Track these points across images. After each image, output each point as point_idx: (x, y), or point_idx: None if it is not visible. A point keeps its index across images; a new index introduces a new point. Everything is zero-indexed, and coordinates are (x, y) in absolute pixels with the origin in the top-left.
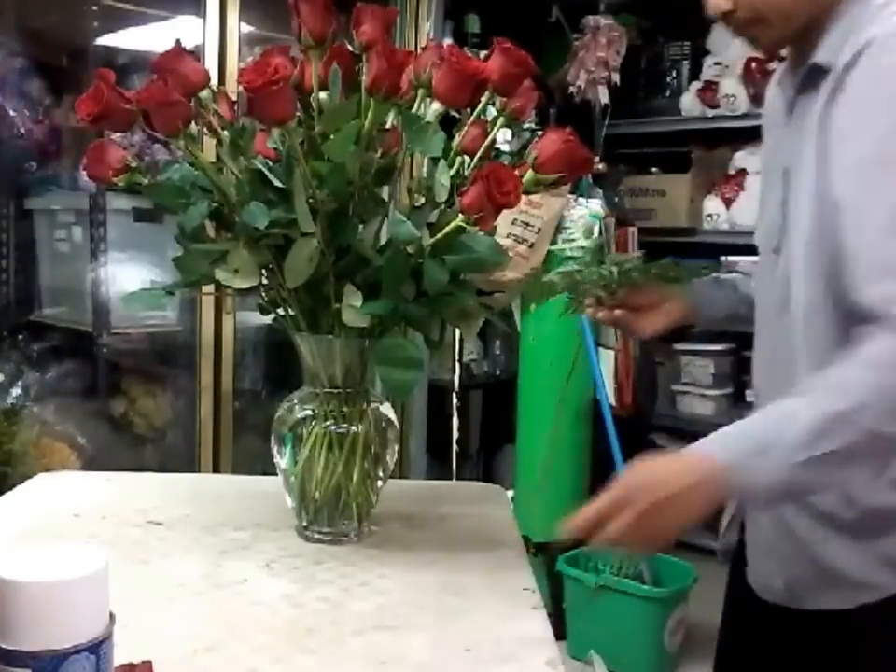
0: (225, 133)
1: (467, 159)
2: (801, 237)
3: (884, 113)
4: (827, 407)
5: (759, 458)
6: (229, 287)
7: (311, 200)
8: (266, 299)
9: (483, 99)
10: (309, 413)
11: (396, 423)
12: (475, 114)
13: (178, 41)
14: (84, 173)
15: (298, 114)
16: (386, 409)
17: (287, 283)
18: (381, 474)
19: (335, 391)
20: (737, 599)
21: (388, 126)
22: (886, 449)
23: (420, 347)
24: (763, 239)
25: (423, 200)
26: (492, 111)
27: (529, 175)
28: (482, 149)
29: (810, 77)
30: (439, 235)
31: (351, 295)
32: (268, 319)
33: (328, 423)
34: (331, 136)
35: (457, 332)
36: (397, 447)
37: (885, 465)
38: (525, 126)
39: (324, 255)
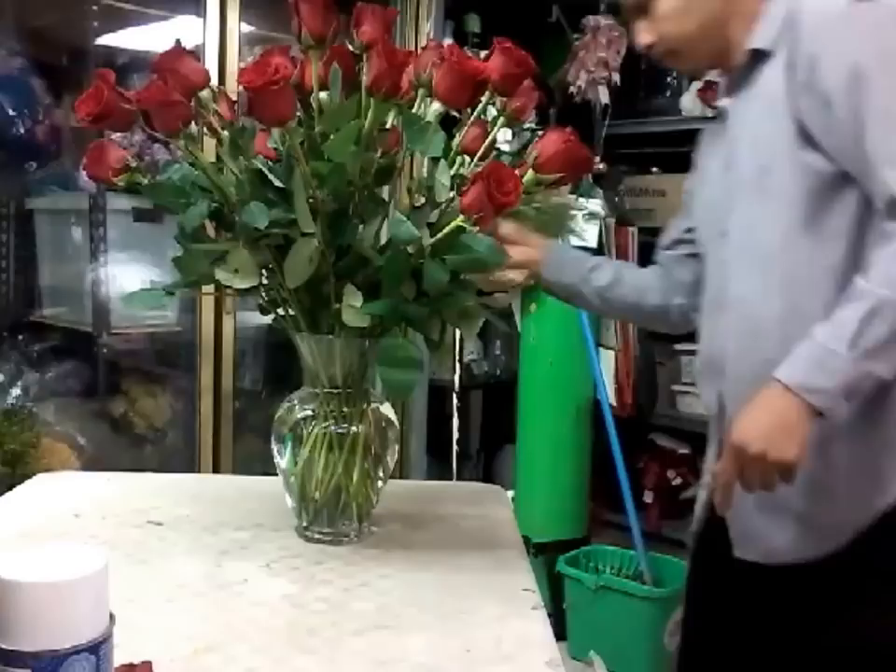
0: (225, 132)
1: (467, 158)
2: (746, 210)
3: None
4: (864, 309)
5: (819, 369)
6: (228, 287)
7: (311, 200)
8: (266, 299)
9: (484, 99)
10: (309, 413)
11: (396, 423)
12: (475, 114)
13: (178, 41)
14: (84, 173)
15: (298, 114)
16: (387, 409)
17: (287, 283)
18: (381, 474)
19: (335, 391)
20: (715, 573)
21: (388, 126)
22: None
23: (420, 348)
24: (707, 229)
25: (423, 200)
26: (492, 111)
27: (529, 175)
28: (482, 149)
29: (747, 69)
30: (439, 235)
31: (351, 295)
32: (268, 319)
33: (328, 423)
34: (331, 136)
35: (457, 332)
36: (397, 447)
37: None
38: (526, 126)
39: (324, 255)
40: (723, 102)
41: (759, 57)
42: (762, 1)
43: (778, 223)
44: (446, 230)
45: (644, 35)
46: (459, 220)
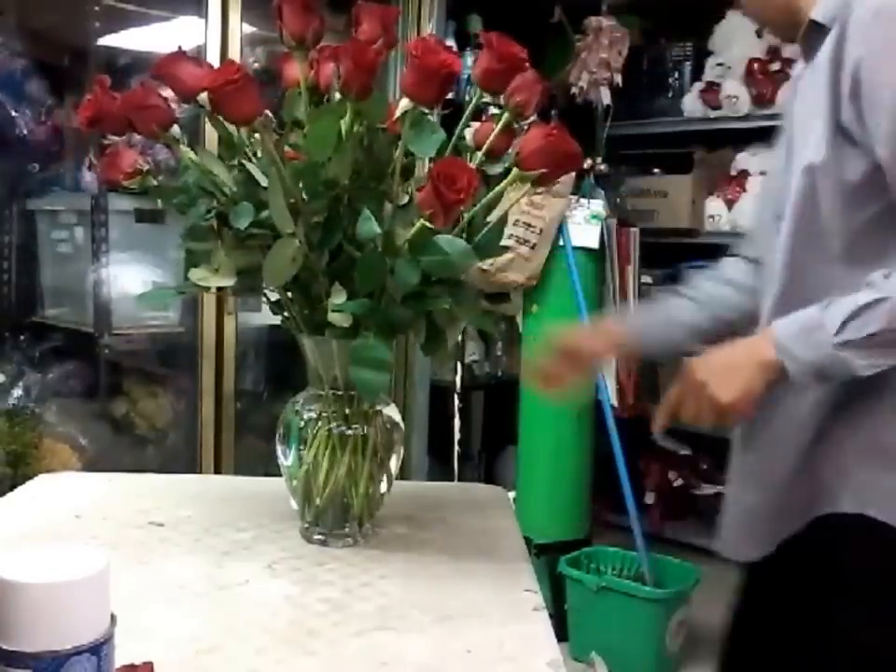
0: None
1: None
2: (796, 194)
3: None
4: (867, 298)
5: (804, 336)
6: (208, 287)
7: (293, 200)
8: (271, 300)
9: (475, 96)
10: (313, 414)
11: (401, 425)
12: (469, 111)
13: (179, 47)
14: (97, 176)
15: (297, 114)
16: (391, 411)
17: (266, 283)
18: (384, 476)
19: (339, 393)
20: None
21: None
22: None
23: (418, 350)
24: (767, 215)
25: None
26: (493, 109)
27: (514, 172)
28: (484, 148)
29: (810, 41)
30: (408, 235)
31: (337, 294)
32: (269, 320)
33: (332, 425)
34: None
35: (459, 333)
36: (401, 449)
37: None
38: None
39: (308, 256)
40: (797, 71)
41: (819, 29)
42: None
43: (827, 211)
44: (413, 230)
45: None
46: (422, 219)
